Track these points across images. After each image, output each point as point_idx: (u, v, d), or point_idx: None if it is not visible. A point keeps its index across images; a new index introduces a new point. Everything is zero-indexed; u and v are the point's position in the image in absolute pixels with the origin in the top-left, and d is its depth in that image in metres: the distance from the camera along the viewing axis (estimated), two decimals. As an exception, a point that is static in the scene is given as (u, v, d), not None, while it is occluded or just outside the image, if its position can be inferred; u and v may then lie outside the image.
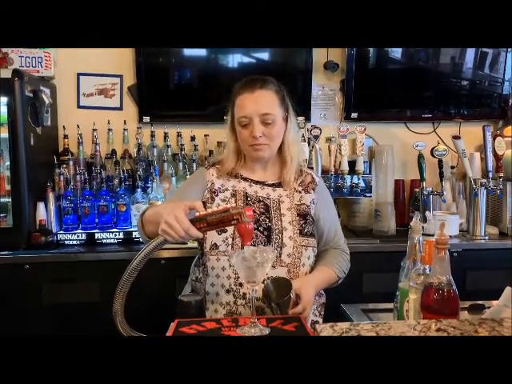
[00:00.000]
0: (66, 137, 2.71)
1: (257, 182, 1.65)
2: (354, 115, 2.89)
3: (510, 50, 2.90)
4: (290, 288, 1.39)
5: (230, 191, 1.62)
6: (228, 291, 1.52)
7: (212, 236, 1.54)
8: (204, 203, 1.58)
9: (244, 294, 1.51)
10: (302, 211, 1.62)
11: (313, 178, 1.71)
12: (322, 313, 1.64)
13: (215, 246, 1.54)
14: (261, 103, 1.55)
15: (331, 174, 2.55)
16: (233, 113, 1.61)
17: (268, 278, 1.47)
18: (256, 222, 1.54)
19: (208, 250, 1.55)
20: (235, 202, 1.59)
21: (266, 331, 1.18)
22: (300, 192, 1.66)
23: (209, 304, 1.55)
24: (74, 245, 2.44)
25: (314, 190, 1.68)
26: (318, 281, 1.56)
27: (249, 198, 1.61)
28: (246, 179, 1.65)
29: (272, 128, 1.56)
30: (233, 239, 1.52)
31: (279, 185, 1.65)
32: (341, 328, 1.03)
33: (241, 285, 1.51)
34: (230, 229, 1.52)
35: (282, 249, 1.54)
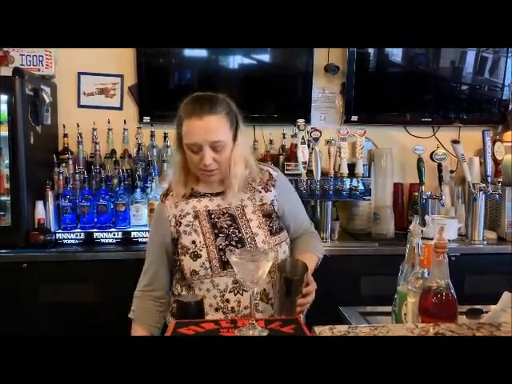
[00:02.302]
0: (65, 136, 2.72)
1: (217, 194, 1.61)
2: (354, 118, 2.90)
3: (509, 55, 2.91)
4: (305, 270, 1.41)
5: (191, 214, 1.58)
6: (216, 309, 1.52)
7: (188, 263, 1.52)
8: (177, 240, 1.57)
9: (232, 307, 1.51)
10: (266, 211, 1.61)
11: (270, 174, 1.67)
12: None
13: (195, 272, 1.52)
14: (210, 130, 1.47)
15: (331, 177, 2.55)
16: (179, 132, 1.54)
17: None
18: (227, 238, 1.53)
19: (189, 277, 1.53)
20: (199, 223, 1.55)
21: (265, 333, 1.18)
22: (260, 192, 1.63)
23: None
24: (72, 244, 2.44)
25: (273, 186, 1.65)
26: (312, 267, 1.57)
27: (213, 215, 1.57)
28: (204, 195, 1.61)
29: (222, 153, 1.51)
30: (210, 262, 1.50)
31: (238, 190, 1.61)
32: (339, 331, 1.04)
33: (228, 301, 1.51)
34: (204, 253, 1.51)
35: None
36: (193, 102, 1.53)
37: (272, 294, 1.55)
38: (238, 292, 1.51)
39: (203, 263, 1.51)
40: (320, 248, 1.71)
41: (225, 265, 1.49)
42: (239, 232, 1.55)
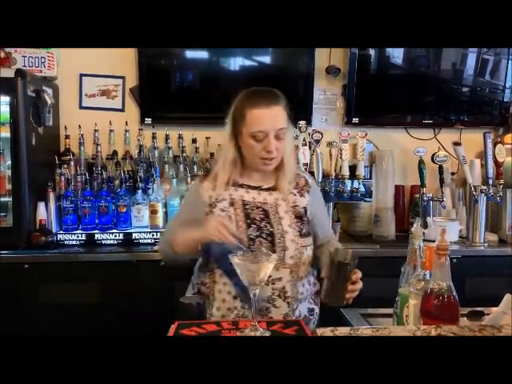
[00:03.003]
0: (67, 137, 2.71)
1: (254, 188, 1.67)
2: (355, 120, 2.90)
3: (510, 57, 2.90)
4: (355, 257, 1.45)
5: (227, 200, 1.63)
6: (235, 297, 1.57)
7: None
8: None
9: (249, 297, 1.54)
10: (298, 213, 1.66)
11: (306, 180, 1.75)
12: (317, 301, 1.69)
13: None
14: (277, 119, 1.57)
15: (332, 179, 2.55)
16: (239, 124, 1.59)
17: (271, 280, 1.53)
18: (258, 229, 1.58)
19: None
20: (234, 211, 1.61)
21: (266, 334, 1.18)
22: (295, 195, 1.69)
23: (214, 310, 1.59)
24: (73, 245, 2.44)
25: (308, 192, 1.72)
26: None
27: (247, 206, 1.62)
28: (242, 186, 1.67)
29: (282, 142, 1.59)
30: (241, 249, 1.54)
31: (274, 188, 1.68)
32: (341, 332, 1.04)
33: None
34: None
35: (285, 251, 1.58)
36: (256, 93, 1.62)
37: (290, 293, 1.58)
38: None
39: None
40: None
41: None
42: (271, 227, 1.60)
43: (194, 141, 2.82)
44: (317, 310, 1.68)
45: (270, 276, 1.53)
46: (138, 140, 2.77)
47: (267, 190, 1.67)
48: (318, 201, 1.77)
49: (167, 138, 2.80)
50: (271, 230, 1.59)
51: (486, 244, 2.61)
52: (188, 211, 1.73)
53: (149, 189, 2.58)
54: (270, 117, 1.56)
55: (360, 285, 1.50)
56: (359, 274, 1.50)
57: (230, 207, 1.62)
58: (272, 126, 1.56)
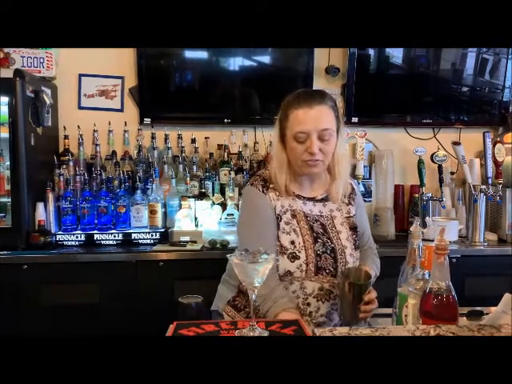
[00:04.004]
0: (66, 137, 2.72)
1: (308, 199, 1.60)
2: (355, 120, 2.90)
3: (510, 57, 2.91)
4: (369, 277, 1.45)
5: (289, 212, 1.56)
6: (298, 297, 1.54)
7: (284, 263, 1.51)
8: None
9: (310, 312, 1.53)
10: (352, 224, 1.62)
11: (353, 187, 1.70)
12: None
13: (289, 273, 1.52)
14: (320, 119, 1.49)
15: (331, 179, 2.55)
16: (284, 126, 1.54)
17: (332, 296, 1.54)
18: (324, 245, 1.54)
19: (282, 276, 1.53)
20: (297, 224, 1.54)
21: (265, 334, 1.17)
22: (347, 204, 1.65)
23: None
24: (72, 245, 2.44)
25: (353, 199, 1.68)
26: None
27: (308, 218, 1.56)
28: (298, 196, 1.59)
29: (328, 144, 1.51)
30: (307, 265, 1.51)
31: (327, 199, 1.62)
32: (340, 332, 1.04)
33: (308, 304, 1.53)
34: (302, 255, 1.51)
35: (345, 266, 1.56)
36: (301, 94, 1.55)
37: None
38: (320, 299, 1.53)
39: (300, 265, 1.51)
40: (378, 265, 1.71)
41: (318, 270, 1.51)
42: (331, 242, 1.56)
43: (194, 141, 2.83)
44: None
45: (332, 292, 1.54)
46: (137, 140, 2.77)
47: (321, 200, 1.62)
48: (361, 208, 1.72)
49: (166, 138, 2.80)
50: (332, 245, 1.55)
51: (486, 243, 2.61)
52: (266, 225, 1.55)
53: (148, 189, 2.58)
54: (313, 116, 1.48)
55: (375, 305, 1.47)
56: (373, 294, 1.47)
57: (292, 219, 1.54)
58: (314, 126, 1.47)
